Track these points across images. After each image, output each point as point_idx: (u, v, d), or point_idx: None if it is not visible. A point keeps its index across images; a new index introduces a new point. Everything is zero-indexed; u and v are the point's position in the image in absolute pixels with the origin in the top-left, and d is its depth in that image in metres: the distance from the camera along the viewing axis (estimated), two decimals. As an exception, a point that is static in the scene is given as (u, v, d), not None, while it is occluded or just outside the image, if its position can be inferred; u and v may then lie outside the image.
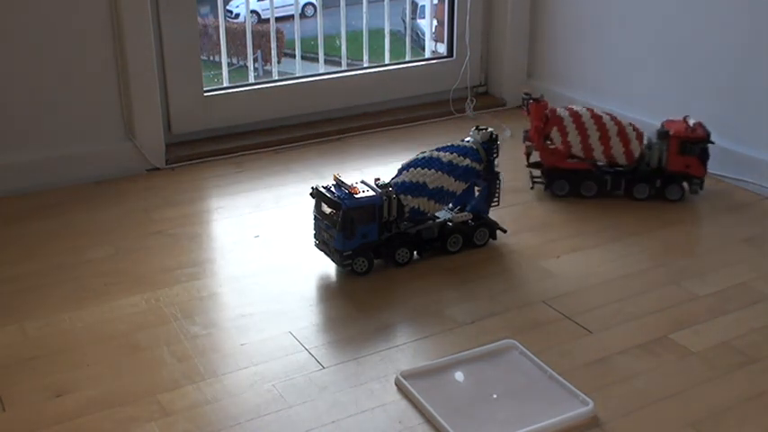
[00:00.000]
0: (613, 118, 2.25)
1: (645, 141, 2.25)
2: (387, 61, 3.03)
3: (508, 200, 2.23)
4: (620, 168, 2.27)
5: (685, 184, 2.26)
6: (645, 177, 2.25)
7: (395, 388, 1.51)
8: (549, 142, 2.27)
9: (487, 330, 1.69)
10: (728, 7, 2.35)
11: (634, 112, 2.68)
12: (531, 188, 2.33)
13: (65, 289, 1.85)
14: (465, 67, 3.01)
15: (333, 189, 1.88)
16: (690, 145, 2.20)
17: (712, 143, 2.23)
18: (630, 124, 2.25)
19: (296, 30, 2.92)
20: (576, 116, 2.24)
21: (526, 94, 2.34)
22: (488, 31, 3.09)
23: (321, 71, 2.92)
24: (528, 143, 2.31)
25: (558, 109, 2.27)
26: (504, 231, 2.06)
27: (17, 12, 2.23)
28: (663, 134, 2.23)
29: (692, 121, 2.24)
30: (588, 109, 2.27)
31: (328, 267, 1.94)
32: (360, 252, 1.87)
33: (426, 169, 1.94)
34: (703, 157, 2.22)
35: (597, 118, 2.24)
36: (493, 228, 2.04)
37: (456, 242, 2.00)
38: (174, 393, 1.50)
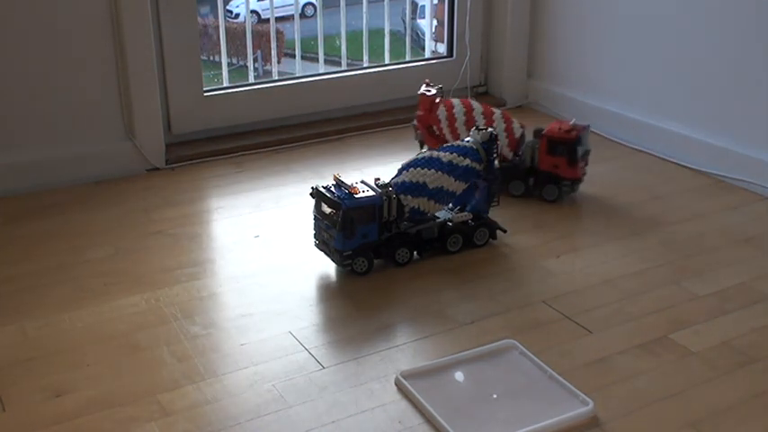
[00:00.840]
0: (486, 123, 2.26)
1: (520, 138, 2.27)
2: (387, 61, 3.04)
3: (508, 200, 2.23)
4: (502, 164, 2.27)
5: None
6: (519, 174, 2.27)
7: (395, 388, 1.51)
8: (434, 131, 2.36)
9: (487, 330, 1.69)
10: (728, 7, 2.35)
11: (634, 112, 2.68)
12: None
13: (64, 289, 1.85)
14: (465, 67, 3.01)
15: (333, 189, 1.88)
16: (557, 145, 2.19)
17: (582, 147, 2.21)
18: (506, 128, 2.26)
19: (296, 30, 2.92)
20: (449, 106, 2.31)
21: (429, 85, 2.40)
22: (488, 31, 3.09)
23: (321, 71, 2.92)
24: (417, 131, 2.41)
25: (442, 102, 2.34)
26: (504, 231, 2.06)
27: (17, 12, 2.23)
28: (537, 132, 2.25)
29: (573, 123, 2.23)
30: (463, 101, 2.33)
31: (328, 267, 1.94)
32: (360, 252, 1.87)
33: (426, 169, 1.94)
34: (571, 158, 2.19)
35: (469, 116, 2.29)
36: (493, 228, 2.04)
37: (456, 242, 2.00)
38: (174, 393, 1.49)
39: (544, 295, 1.82)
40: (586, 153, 2.26)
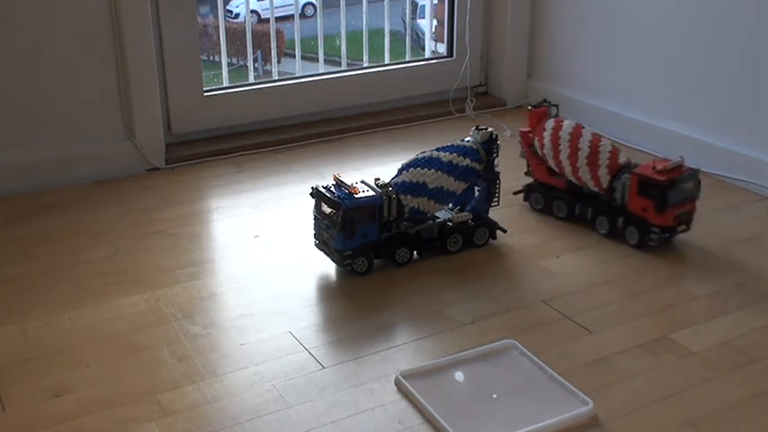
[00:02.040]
0: (594, 140, 2.06)
1: (618, 173, 2.03)
2: (387, 61, 3.04)
3: (508, 200, 2.23)
4: (596, 196, 2.09)
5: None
6: (608, 211, 2.05)
7: (395, 388, 1.51)
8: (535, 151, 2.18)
9: (487, 330, 1.69)
10: (728, 7, 2.35)
11: (634, 112, 2.68)
12: (514, 194, 2.24)
13: (64, 289, 1.85)
14: (465, 67, 3.01)
15: (333, 189, 1.88)
16: (648, 186, 1.95)
17: (678, 193, 1.96)
18: (612, 151, 2.04)
19: (296, 30, 2.92)
20: (556, 128, 2.11)
21: (546, 101, 2.22)
22: (488, 31, 3.09)
23: (321, 71, 2.92)
24: (521, 148, 2.23)
25: (550, 120, 2.15)
26: (504, 231, 2.06)
27: (17, 12, 2.23)
28: (629, 168, 2.02)
29: (674, 163, 1.97)
30: (576, 125, 2.11)
31: (328, 267, 1.94)
32: (360, 252, 1.87)
33: (426, 169, 1.94)
34: (660, 203, 1.94)
35: (575, 136, 2.07)
36: (493, 228, 2.04)
37: (456, 242, 2.00)
38: (174, 393, 1.49)
39: (544, 295, 1.82)
40: (688, 199, 1.99)
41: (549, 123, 2.14)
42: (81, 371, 1.56)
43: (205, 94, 2.63)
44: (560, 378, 1.51)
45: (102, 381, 1.53)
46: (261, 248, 2.04)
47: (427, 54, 3.23)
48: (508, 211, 2.19)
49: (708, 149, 2.45)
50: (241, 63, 3.46)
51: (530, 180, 2.23)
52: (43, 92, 2.32)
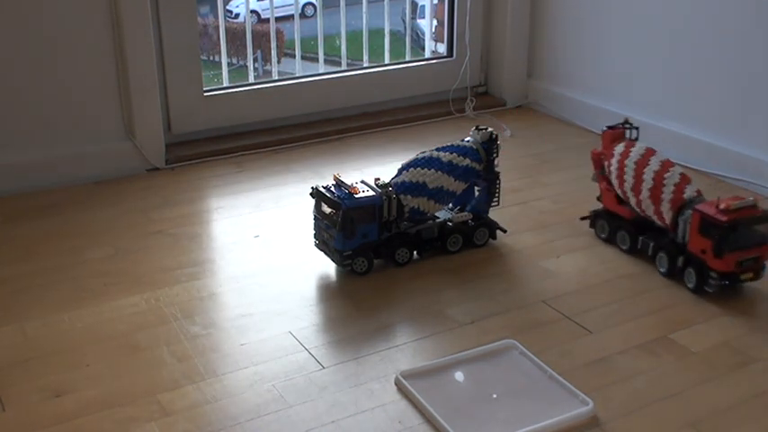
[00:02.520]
0: (660, 171, 1.88)
1: (682, 208, 1.84)
2: (387, 61, 3.04)
3: (508, 200, 2.23)
4: (661, 230, 1.92)
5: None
6: (670, 249, 1.87)
7: (395, 388, 1.51)
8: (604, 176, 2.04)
9: (487, 330, 1.69)
10: (728, 8, 2.35)
11: (634, 113, 2.68)
12: (581, 219, 2.10)
13: (64, 289, 1.85)
14: (465, 67, 3.01)
15: (333, 189, 1.88)
16: (708, 225, 1.76)
17: (741, 236, 1.75)
18: (678, 184, 1.85)
19: (296, 30, 2.92)
20: (624, 154, 1.96)
21: (627, 123, 2.07)
22: (488, 31, 3.09)
23: (321, 71, 2.92)
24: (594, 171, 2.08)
25: (621, 144, 2.00)
26: (504, 231, 2.06)
27: (17, 12, 2.23)
28: (693, 203, 1.82)
29: (744, 203, 1.77)
30: (647, 150, 1.94)
31: (328, 267, 1.94)
32: (360, 252, 1.87)
33: (426, 169, 1.94)
34: (719, 245, 1.74)
35: (640, 165, 1.91)
36: (493, 228, 2.04)
37: (456, 242, 1.99)
38: (174, 393, 1.49)
39: (544, 295, 1.82)
40: (757, 244, 1.77)
41: (619, 148, 1.99)
42: (81, 371, 1.56)
43: (205, 94, 2.63)
44: (560, 378, 1.51)
45: (101, 381, 1.53)
46: (261, 248, 2.04)
47: (427, 54, 3.23)
48: (508, 211, 2.19)
49: (708, 149, 2.45)
50: (241, 63, 3.46)
51: (599, 206, 2.08)
52: (43, 92, 2.32)
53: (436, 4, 3.17)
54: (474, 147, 2.01)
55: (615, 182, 1.98)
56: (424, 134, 2.81)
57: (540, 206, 2.26)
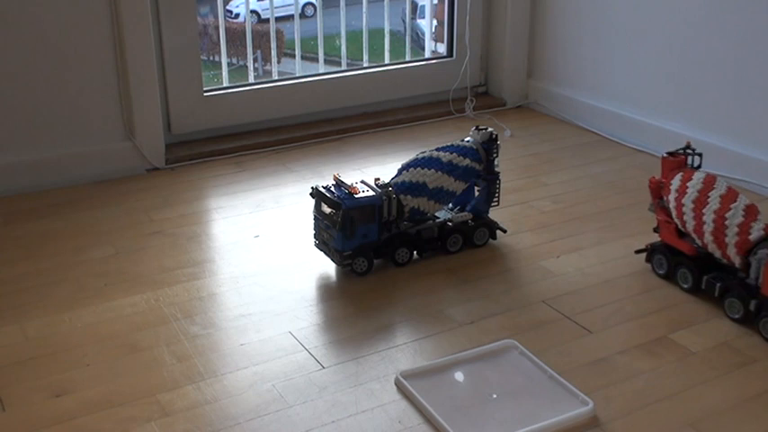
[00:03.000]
0: (721, 209, 1.72)
1: (753, 248, 1.68)
2: (387, 61, 3.04)
3: (508, 200, 2.23)
4: (729, 269, 1.76)
5: None
6: (739, 291, 1.71)
7: (395, 388, 1.51)
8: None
9: (487, 330, 1.69)
10: (728, 8, 2.35)
11: (634, 112, 2.68)
12: (636, 252, 1.95)
13: (65, 289, 1.85)
14: (465, 67, 3.01)
15: (333, 189, 1.88)
16: None
17: None
18: (742, 224, 1.69)
19: (296, 30, 2.92)
20: (680, 190, 1.80)
21: (689, 148, 1.89)
22: (488, 31, 3.09)
23: (321, 71, 2.92)
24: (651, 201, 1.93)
25: (678, 176, 1.83)
26: (504, 231, 2.06)
27: (17, 12, 2.23)
28: (764, 244, 1.67)
29: None
30: (705, 184, 1.77)
31: (328, 267, 1.94)
32: (360, 252, 1.87)
33: (426, 169, 1.94)
34: None
35: (700, 202, 1.75)
36: (493, 228, 2.04)
37: (456, 242, 2.00)
38: (174, 393, 1.49)
39: (544, 295, 1.82)
40: None
41: (675, 182, 1.82)
42: (81, 371, 1.56)
43: (205, 94, 2.63)
44: (560, 378, 1.51)
45: (102, 381, 1.53)
46: (261, 248, 2.04)
47: (427, 54, 3.23)
48: (508, 211, 2.19)
49: (708, 149, 2.45)
50: (241, 63, 3.45)
51: (656, 238, 1.92)
52: (43, 92, 2.32)
53: (436, 4, 3.17)
54: (474, 147, 2.01)
55: (677, 220, 1.82)
56: (424, 134, 2.81)
57: (540, 206, 2.26)
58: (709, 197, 1.75)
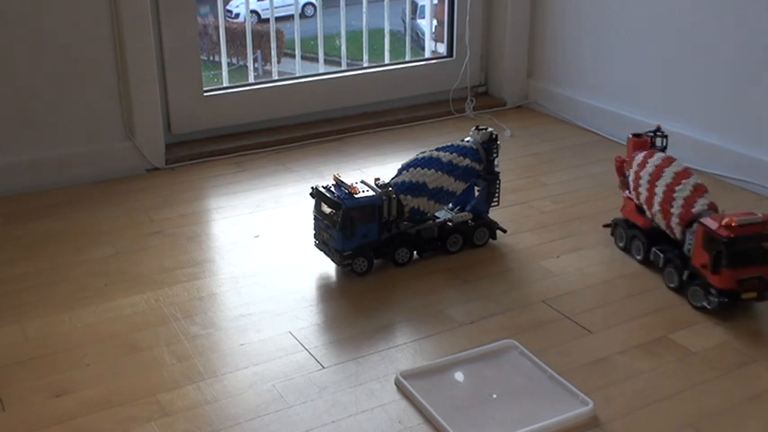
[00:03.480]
0: (672, 184, 1.84)
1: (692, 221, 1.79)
2: (387, 61, 3.04)
3: (508, 200, 2.23)
4: (674, 242, 1.86)
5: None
6: (676, 262, 1.82)
7: (395, 388, 1.51)
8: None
9: (487, 330, 1.69)
10: (728, 8, 2.35)
11: (634, 113, 2.68)
12: (604, 226, 2.08)
13: (65, 289, 1.85)
14: (465, 67, 3.01)
15: (333, 189, 1.88)
16: (709, 240, 1.71)
17: (740, 251, 1.68)
18: (688, 197, 1.80)
19: (296, 30, 2.92)
20: (641, 165, 1.92)
21: (659, 131, 2.02)
22: (488, 31, 3.09)
23: (321, 71, 2.92)
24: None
25: (642, 153, 1.95)
26: (504, 231, 2.06)
27: (17, 12, 2.23)
28: (698, 217, 1.77)
29: (752, 219, 1.70)
30: (663, 161, 1.89)
31: (328, 267, 1.94)
32: (360, 252, 1.87)
33: (426, 169, 1.94)
34: (716, 261, 1.69)
35: (654, 177, 1.88)
36: (493, 228, 2.04)
37: (456, 242, 2.00)
38: (174, 393, 1.49)
39: (544, 295, 1.82)
40: (763, 263, 1.70)
41: (638, 158, 1.94)
42: (81, 371, 1.56)
43: (205, 94, 2.63)
44: (560, 378, 1.51)
45: (102, 381, 1.53)
46: (261, 248, 2.04)
47: (427, 54, 3.23)
48: (508, 211, 2.19)
49: (708, 149, 2.45)
50: (241, 63, 3.46)
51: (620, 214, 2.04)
52: (43, 92, 2.32)
53: (436, 4, 3.17)
54: (474, 147, 2.01)
55: (633, 193, 1.95)
56: (424, 134, 2.81)
57: (540, 206, 2.26)
58: (664, 172, 1.86)
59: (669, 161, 1.89)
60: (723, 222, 1.70)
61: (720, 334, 1.68)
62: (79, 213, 2.22)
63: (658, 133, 2.01)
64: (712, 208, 1.79)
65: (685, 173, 1.86)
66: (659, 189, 1.85)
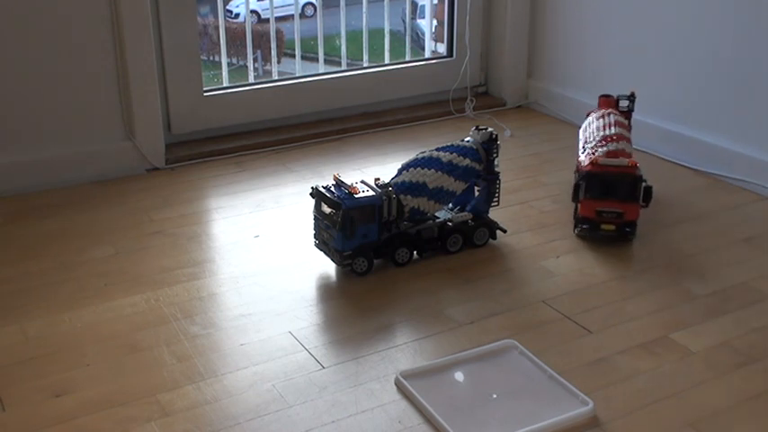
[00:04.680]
0: (594, 132, 2.12)
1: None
2: (387, 61, 3.04)
3: (508, 200, 2.23)
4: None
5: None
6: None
7: (395, 388, 1.51)
8: None
9: (487, 330, 1.69)
10: (728, 8, 2.35)
11: (634, 113, 2.68)
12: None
13: (65, 289, 1.85)
14: (465, 67, 3.01)
15: (333, 189, 1.88)
16: (576, 173, 2.05)
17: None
18: (594, 147, 2.06)
19: (296, 30, 2.92)
20: (589, 123, 2.18)
21: (632, 96, 2.27)
22: (488, 31, 3.09)
23: (321, 71, 2.92)
24: None
25: (594, 113, 2.21)
26: (504, 231, 2.06)
27: (16, 12, 2.23)
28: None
29: (617, 161, 1.98)
30: (604, 124, 2.13)
31: (328, 267, 1.94)
32: (360, 252, 1.87)
33: (426, 169, 1.94)
34: (575, 190, 2.01)
35: (588, 131, 2.15)
36: (493, 228, 2.04)
37: (456, 242, 2.00)
38: (174, 393, 1.49)
39: (544, 295, 1.82)
40: (619, 200, 1.98)
41: (591, 116, 2.17)
42: (81, 371, 1.56)
43: (205, 94, 2.63)
44: (560, 378, 1.51)
45: (102, 381, 1.53)
46: (261, 248, 2.04)
47: (427, 54, 3.23)
48: (508, 211, 2.19)
49: (708, 149, 2.45)
50: (241, 63, 3.45)
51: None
52: (43, 92, 2.32)
53: (436, 4, 3.17)
54: (474, 147, 2.01)
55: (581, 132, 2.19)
56: (424, 134, 2.81)
57: (540, 206, 2.26)
58: (610, 123, 2.10)
59: (610, 124, 2.10)
60: (594, 157, 1.96)
61: (720, 334, 1.68)
62: (79, 213, 2.22)
63: (630, 97, 2.22)
64: (610, 155, 1.99)
65: (615, 126, 2.09)
66: (587, 135, 2.12)
